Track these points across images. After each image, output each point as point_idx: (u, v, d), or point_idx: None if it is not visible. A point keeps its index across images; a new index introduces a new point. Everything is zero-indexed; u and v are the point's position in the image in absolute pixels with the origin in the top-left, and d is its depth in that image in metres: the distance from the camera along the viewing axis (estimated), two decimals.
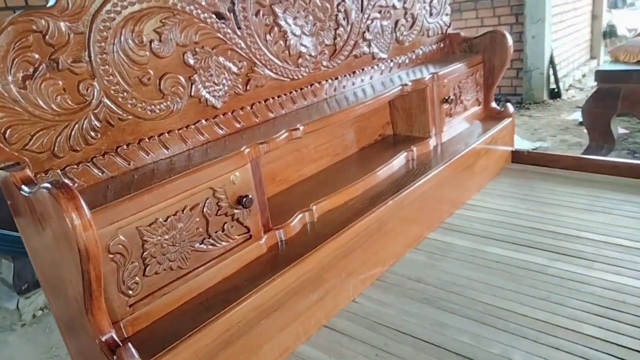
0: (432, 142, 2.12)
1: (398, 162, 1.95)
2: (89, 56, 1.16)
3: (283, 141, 1.44)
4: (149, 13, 1.27)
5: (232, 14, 1.47)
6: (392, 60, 2.13)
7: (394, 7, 2.09)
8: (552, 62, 5.91)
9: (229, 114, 1.50)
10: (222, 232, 1.30)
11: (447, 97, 2.11)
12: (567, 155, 2.39)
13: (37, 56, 1.08)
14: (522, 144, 4.21)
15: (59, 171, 1.14)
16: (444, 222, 1.98)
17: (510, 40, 2.31)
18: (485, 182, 2.27)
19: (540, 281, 1.53)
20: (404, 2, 2.14)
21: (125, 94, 1.24)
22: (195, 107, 1.41)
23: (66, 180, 1.13)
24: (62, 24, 1.11)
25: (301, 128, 1.49)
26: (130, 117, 1.26)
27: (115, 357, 1.00)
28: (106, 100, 1.20)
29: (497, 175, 2.36)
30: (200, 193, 1.22)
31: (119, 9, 1.20)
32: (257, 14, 1.54)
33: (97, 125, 1.19)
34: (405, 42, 2.18)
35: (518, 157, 2.47)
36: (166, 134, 1.34)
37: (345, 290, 1.54)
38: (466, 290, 1.53)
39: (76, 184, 1.17)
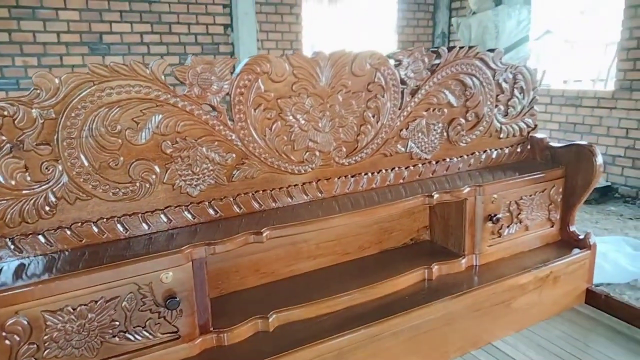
0: (465, 262, 1.83)
1: (408, 279, 1.72)
2: (57, 140, 1.26)
3: (238, 244, 1.38)
4: (128, 104, 1.33)
5: (226, 105, 1.47)
6: (437, 162, 1.91)
7: (449, 104, 1.88)
8: None
9: (205, 202, 1.49)
10: (143, 328, 1.28)
11: (493, 215, 1.81)
12: None
13: (3, 137, 1.21)
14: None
15: (7, 240, 1.25)
16: None
17: (599, 159, 1.89)
18: (533, 321, 1.87)
19: None
20: (466, 100, 1.91)
21: (88, 176, 1.31)
22: (167, 193, 1.43)
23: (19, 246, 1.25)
24: (33, 110, 1.23)
25: (265, 234, 1.41)
26: (90, 198, 1.33)
27: None
28: (66, 180, 1.29)
29: (555, 315, 1.93)
30: (121, 287, 1.23)
31: (95, 98, 1.29)
32: (257, 108, 1.51)
33: (53, 201, 1.29)
34: (459, 143, 1.94)
35: (593, 298, 1.99)
36: (127, 216, 1.39)
37: None
38: None
39: (24, 253, 1.27)
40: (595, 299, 1.98)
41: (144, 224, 1.41)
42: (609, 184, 5.69)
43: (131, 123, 1.35)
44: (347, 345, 1.45)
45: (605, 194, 5.59)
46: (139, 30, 5.65)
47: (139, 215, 1.40)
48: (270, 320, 1.47)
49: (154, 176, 1.40)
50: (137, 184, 1.39)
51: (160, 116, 1.38)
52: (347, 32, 7.51)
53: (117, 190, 1.36)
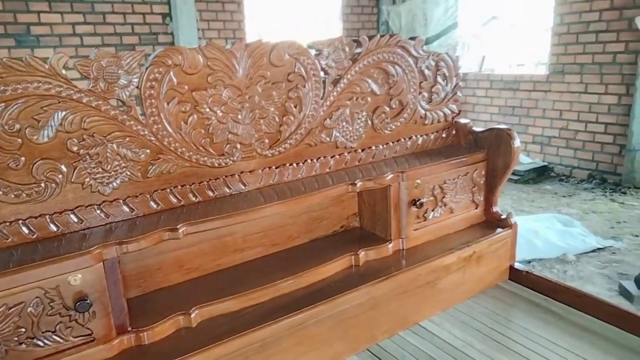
0: (392, 247, 1.87)
1: (335, 266, 1.74)
2: None
3: (152, 242, 1.35)
4: (26, 101, 1.27)
5: (137, 99, 1.43)
6: (363, 150, 1.93)
7: (372, 93, 1.90)
8: None
9: (120, 200, 1.45)
10: (53, 333, 1.24)
11: (417, 200, 1.86)
12: (568, 286, 1.95)
13: None
14: (587, 239, 3.62)
15: None
16: (377, 343, 1.72)
17: (517, 142, 1.97)
18: (459, 300, 1.94)
19: None
20: (390, 88, 1.94)
21: None
22: (76, 193, 1.38)
23: None
24: None
25: (181, 230, 1.39)
26: None
27: None
28: None
29: (480, 293, 2.01)
30: (25, 293, 1.18)
31: None
32: (170, 101, 1.48)
33: None
34: (384, 131, 1.97)
35: (516, 275, 2.09)
36: (33, 219, 1.33)
37: None
38: None
39: None
40: (517, 275, 2.07)
41: (52, 225, 1.36)
42: (545, 164, 5.95)
43: (31, 121, 1.29)
44: (270, 335, 1.45)
45: (542, 174, 5.84)
46: (71, 21, 5.40)
47: (47, 216, 1.35)
48: (193, 315, 1.46)
49: (60, 176, 1.35)
50: (42, 185, 1.33)
51: (64, 113, 1.32)
52: (292, 20, 7.44)
53: (20, 192, 1.30)
